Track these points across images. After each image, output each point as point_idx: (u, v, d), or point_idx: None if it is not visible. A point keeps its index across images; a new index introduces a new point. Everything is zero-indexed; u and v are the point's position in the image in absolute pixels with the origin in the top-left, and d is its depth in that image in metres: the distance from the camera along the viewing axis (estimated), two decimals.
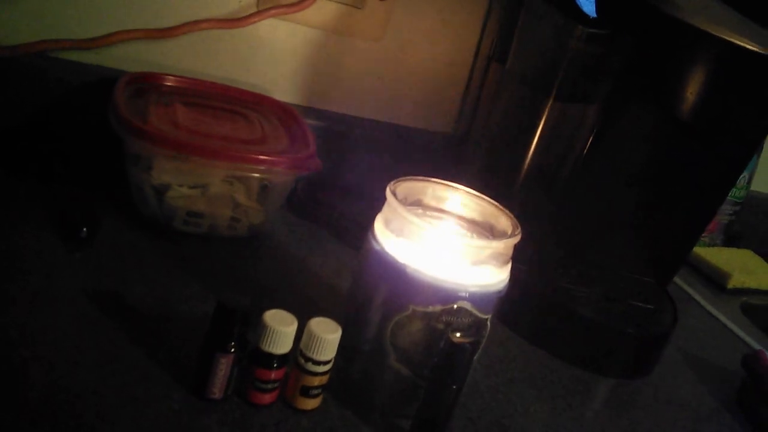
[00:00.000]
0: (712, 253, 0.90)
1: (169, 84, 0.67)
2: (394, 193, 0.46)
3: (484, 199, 0.50)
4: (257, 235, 0.63)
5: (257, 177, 0.60)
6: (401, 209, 0.45)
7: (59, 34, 0.65)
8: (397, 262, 0.45)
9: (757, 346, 0.74)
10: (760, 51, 0.52)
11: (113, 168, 0.61)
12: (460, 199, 0.51)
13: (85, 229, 0.55)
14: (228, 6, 0.70)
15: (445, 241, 0.45)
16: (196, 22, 0.68)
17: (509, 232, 0.48)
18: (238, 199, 0.61)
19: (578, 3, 0.57)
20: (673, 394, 0.62)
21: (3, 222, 0.55)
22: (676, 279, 0.82)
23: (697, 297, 0.82)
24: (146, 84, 0.65)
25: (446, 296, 0.44)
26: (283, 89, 0.75)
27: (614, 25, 0.57)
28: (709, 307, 0.80)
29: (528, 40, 0.62)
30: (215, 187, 0.59)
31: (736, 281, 0.86)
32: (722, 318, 0.79)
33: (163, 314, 0.51)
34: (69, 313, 0.48)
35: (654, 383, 0.63)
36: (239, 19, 0.69)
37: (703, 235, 0.91)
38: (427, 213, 0.50)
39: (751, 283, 0.87)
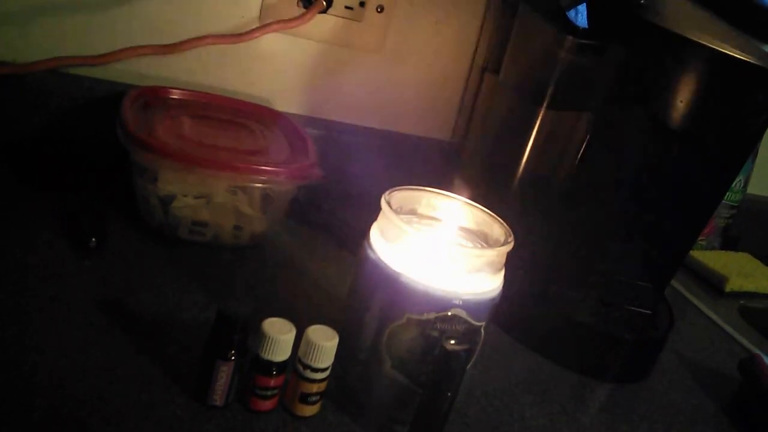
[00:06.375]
0: (710, 257, 0.89)
1: (174, 97, 0.68)
2: (388, 203, 0.47)
3: (477, 207, 0.51)
4: (260, 244, 0.64)
5: (260, 187, 0.61)
6: (395, 218, 0.46)
7: (70, 51, 0.67)
8: (391, 270, 0.45)
9: (755, 350, 0.74)
10: (748, 59, 0.53)
11: (121, 179, 0.62)
12: (454, 208, 0.51)
13: (93, 238, 0.57)
14: (231, 21, 0.71)
15: (439, 250, 0.46)
16: (201, 37, 0.70)
17: (502, 240, 0.48)
18: (242, 209, 0.62)
19: (569, 15, 0.58)
20: (670, 398, 0.62)
21: (15, 231, 0.56)
22: (674, 282, 0.82)
23: (695, 300, 0.81)
24: (153, 98, 0.66)
25: (440, 304, 0.45)
26: (285, 100, 0.76)
27: (604, 35, 0.57)
28: (707, 311, 0.80)
29: (521, 50, 0.63)
30: (219, 197, 0.61)
31: (733, 284, 0.86)
32: (720, 321, 0.78)
33: (167, 321, 0.52)
34: (77, 320, 0.49)
35: (651, 388, 0.63)
36: (242, 34, 0.70)
37: (700, 238, 0.90)
38: (422, 222, 0.51)
39: (749, 286, 0.87)
